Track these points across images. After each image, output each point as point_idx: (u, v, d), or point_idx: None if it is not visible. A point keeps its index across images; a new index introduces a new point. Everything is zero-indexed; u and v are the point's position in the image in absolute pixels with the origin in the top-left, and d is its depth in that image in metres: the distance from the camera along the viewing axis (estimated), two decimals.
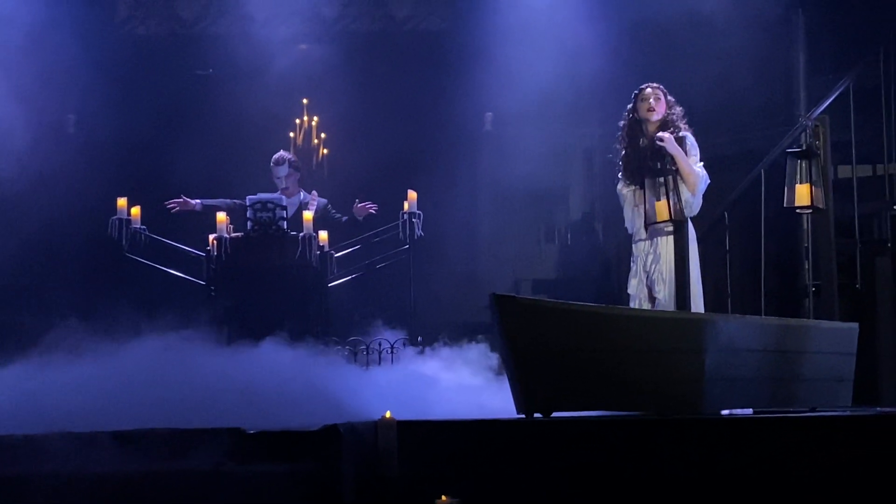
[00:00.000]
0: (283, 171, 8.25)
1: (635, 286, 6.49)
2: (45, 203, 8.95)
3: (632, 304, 6.43)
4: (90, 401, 5.13)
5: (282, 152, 8.37)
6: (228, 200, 8.27)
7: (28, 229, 8.95)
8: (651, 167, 6.36)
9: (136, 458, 4.50)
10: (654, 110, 6.49)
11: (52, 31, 8.93)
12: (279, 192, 8.22)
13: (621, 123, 6.62)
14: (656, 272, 6.41)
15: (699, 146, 6.53)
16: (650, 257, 6.44)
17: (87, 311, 7.10)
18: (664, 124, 6.49)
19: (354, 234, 8.29)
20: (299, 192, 8.31)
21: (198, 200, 8.23)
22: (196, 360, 5.66)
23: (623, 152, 6.57)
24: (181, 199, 8.17)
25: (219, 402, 5.16)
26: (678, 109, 6.54)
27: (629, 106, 6.60)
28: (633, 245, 6.54)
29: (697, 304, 6.34)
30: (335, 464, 4.57)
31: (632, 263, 6.54)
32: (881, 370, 7.87)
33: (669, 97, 6.56)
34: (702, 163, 6.46)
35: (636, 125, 6.54)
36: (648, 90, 6.56)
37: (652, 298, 6.42)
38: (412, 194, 8.06)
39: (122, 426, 4.67)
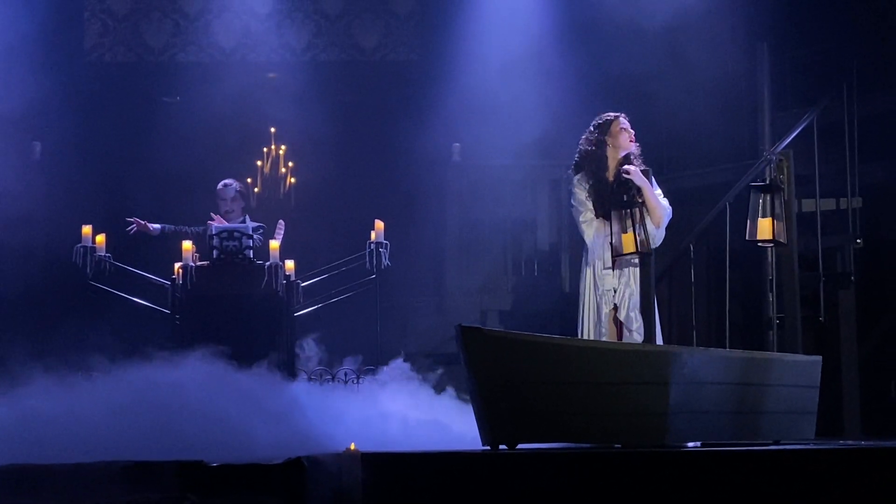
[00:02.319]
0: (230, 192, 8.30)
1: (606, 315, 6.40)
2: (8, 230, 8.87)
3: (596, 336, 6.38)
4: (47, 432, 5.07)
5: (230, 179, 8.40)
6: (188, 228, 8.27)
7: None
8: (617, 199, 6.33)
9: (95, 491, 4.44)
10: (633, 140, 6.47)
11: (19, 57, 8.90)
12: (221, 213, 8.26)
13: (589, 149, 6.48)
14: (631, 306, 6.36)
15: (665, 178, 6.54)
16: (620, 289, 6.38)
17: (49, 340, 7.04)
18: (627, 157, 6.47)
19: (321, 263, 8.29)
20: (242, 218, 8.31)
21: (157, 225, 8.23)
22: (157, 389, 5.61)
23: (591, 183, 6.45)
24: (144, 224, 8.16)
25: (180, 433, 5.12)
26: (637, 145, 6.54)
27: (595, 135, 6.48)
28: (595, 275, 6.43)
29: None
30: (299, 497, 4.54)
31: (592, 293, 6.45)
32: (844, 403, 7.93)
33: None
34: (667, 199, 6.47)
35: (604, 156, 6.46)
36: (624, 119, 6.52)
37: (621, 332, 6.36)
38: (379, 224, 8.06)
39: (81, 458, 4.62)
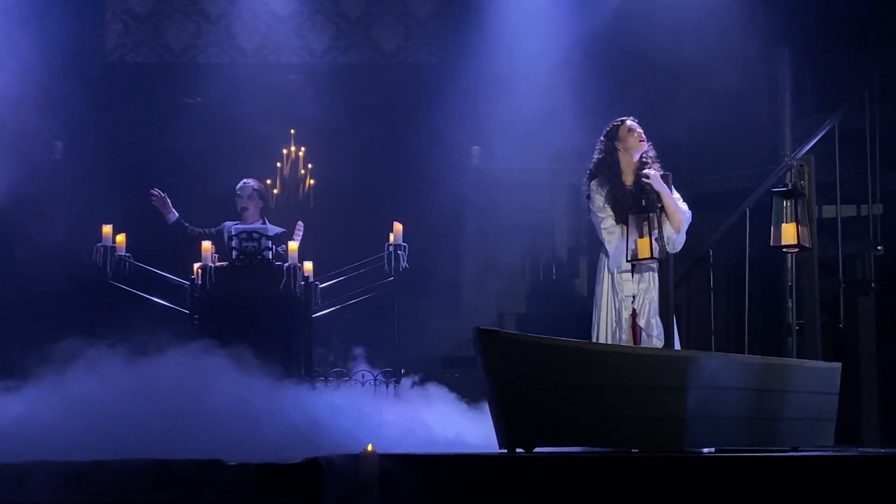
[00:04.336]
0: (247, 190, 8.30)
1: (625, 320, 6.36)
2: (29, 229, 8.93)
3: (614, 340, 6.36)
4: (69, 429, 5.10)
5: (249, 179, 8.42)
6: (202, 229, 8.28)
7: (12, 254, 8.93)
8: (636, 204, 6.32)
9: (115, 488, 4.46)
10: (644, 140, 6.46)
11: (41, 57, 8.94)
12: (238, 210, 8.28)
13: (601, 157, 6.47)
14: (652, 312, 6.32)
15: (685, 183, 6.52)
16: (640, 295, 6.34)
17: (69, 338, 7.06)
18: (641, 162, 6.46)
19: (340, 264, 8.31)
20: (259, 220, 8.33)
21: (176, 213, 8.22)
22: (175, 388, 5.63)
23: (608, 189, 6.44)
24: (164, 197, 8.15)
25: (197, 433, 5.13)
26: (650, 146, 6.53)
27: (605, 143, 6.46)
28: (615, 280, 6.38)
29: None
30: (316, 497, 4.56)
31: (611, 298, 6.40)
32: (863, 410, 7.89)
33: None
34: (686, 203, 6.45)
35: (616, 161, 6.43)
36: (631, 122, 6.51)
37: (638, 337, 6.33)
38: (398, 226, 8.07)
39: (100, 456, 4.63)
